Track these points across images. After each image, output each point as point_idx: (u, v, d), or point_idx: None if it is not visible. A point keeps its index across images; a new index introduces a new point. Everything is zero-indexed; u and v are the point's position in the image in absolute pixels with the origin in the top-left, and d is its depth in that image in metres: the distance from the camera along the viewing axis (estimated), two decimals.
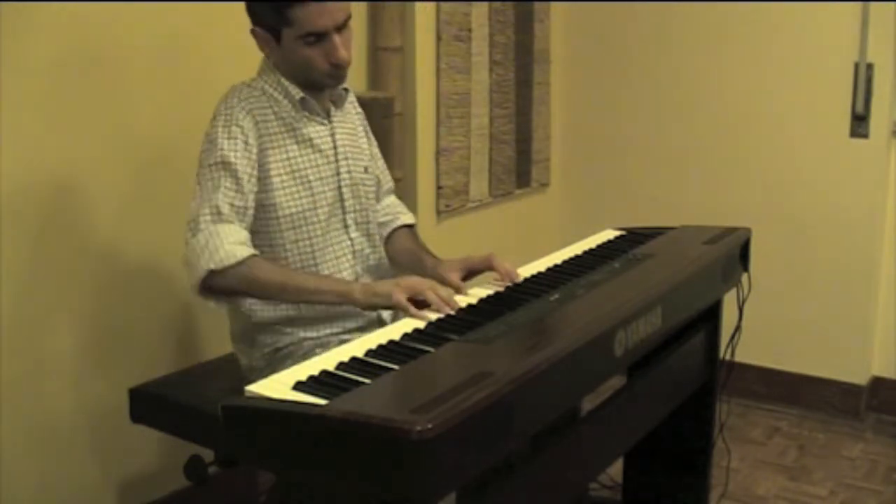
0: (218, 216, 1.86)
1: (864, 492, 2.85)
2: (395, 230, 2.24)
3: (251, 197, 1.91)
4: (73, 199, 2.24)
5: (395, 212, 2.26)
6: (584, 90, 3.79)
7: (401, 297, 1.80)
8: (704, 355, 2.42)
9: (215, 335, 2.52)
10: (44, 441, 2.24)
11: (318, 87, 2.00)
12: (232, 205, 1.87)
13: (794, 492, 2.86)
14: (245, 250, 1.84)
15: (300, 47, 1.91)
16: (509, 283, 1.97)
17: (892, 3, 3.10)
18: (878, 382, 3.39)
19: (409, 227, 2.27)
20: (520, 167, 3.60)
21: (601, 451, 2.01)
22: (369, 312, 2.05)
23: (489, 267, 2.02)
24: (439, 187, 3.19)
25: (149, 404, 2.13)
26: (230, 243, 1.83)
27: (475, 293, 1.92)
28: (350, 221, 2.07)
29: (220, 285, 1.85)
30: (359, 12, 2.80)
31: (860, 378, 3.35)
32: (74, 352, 2.28)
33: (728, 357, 2.41)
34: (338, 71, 1.96)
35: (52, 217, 2.20)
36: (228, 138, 1.89)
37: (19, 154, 2.11)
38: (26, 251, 2.15)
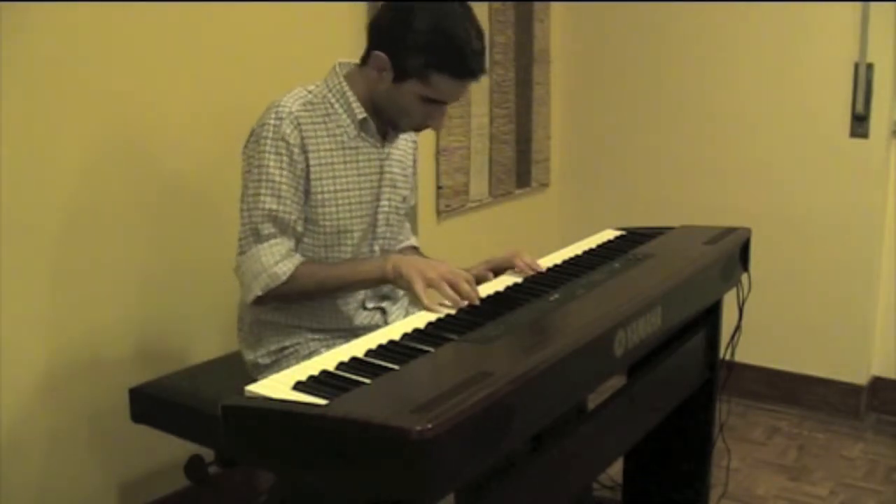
0: (257, 236, 1.89)
1: (864, 492, 2.85)
2: (401, 250, 2.22)
3: (296, 209, 1.91)
4: (74, 201, 2.24)
5: (405, 233, 2.25)
6: (584, 90, 3.79)
7: (421, 290, 1.83)
8: (704, 355, 2.42)
9: (215, 335, 2.52)
10: (44, 441, 2.24)
11: (393, 126, 1.99)
12: (274, 219, 1.89)
13: (794, 492, 2.86)
14: (286, 266, 1.88)
15: (413, 100, 1.89)
16: (531, 274, 2.01)
17: (892, 3, 3.09)
18: (878, 382, 3.39)
19: (414, 248, 2.27)
20: (520, 167, 3.60)
21: (601, 451, 2.01)
22: (378, 319, 2.07)
23: (511, 265, 2.05)
24: (439, 187, 3.19)
25: (149, 404, 2.13)
26: (271, 265, 1.88)
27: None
28: (377, 247, 2.06)
29: (270, 300, 1.92)
30: (359, 13, 2.80)
31: (860, 378, 3.35)
32: (74, 352, 2.27)
33: (728, 357, 2.41)
34: (423, 130, 1.99)
35: (52, 218, 2.20)
36: (275, 153, 1.88)
37: (25, 156, 2.11)
38: (26, 252, 2.15)
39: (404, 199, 2.12)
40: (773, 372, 3.47)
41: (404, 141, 2.11)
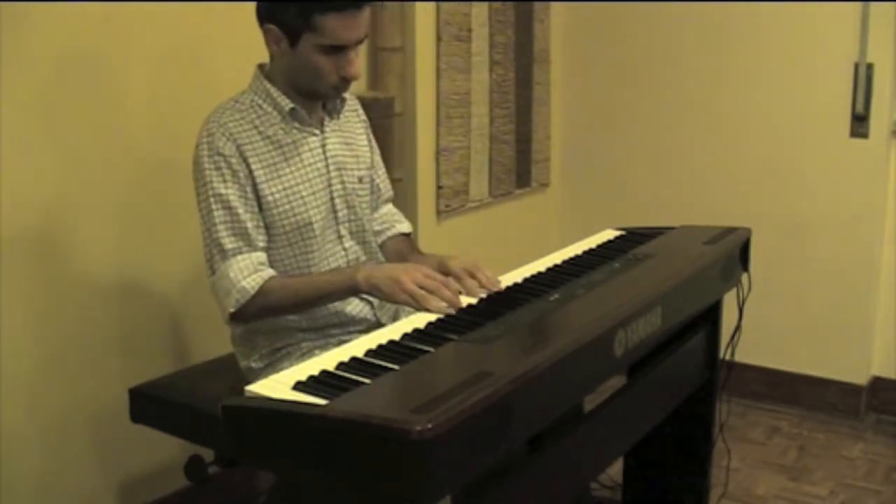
0: (223, 253, 1.89)
1: (864, 492, 2.85)
2: (389, 238, 2.23)
3: (250, 217, 1.91)
4: (74, 200, 2.24)
5: (391, 220, 2.25)
6: (584, 90, 3.79)
7: (402, 298, 1.81)
8: (704, 355, 2.42)
9: (215, 335, 2.52)
10: (44, 441, 2.24)
11: (318, 96, 1.98)
12: (234, 234, 1.89)
13: (794, 492, 2.86)
14: (255, 280, 1.88)
15: (315, 55, 1.87)
16: (484, 294, 1.89)
17: (892, 3, 3.09)
18: (878, 382, 3.39)
19: (406, 235, 2.26)
20: (520, 167, 3.60)
21: (601, 451, 2.01)
22: (370, 318, 2.07)
23: (457, 275, 1.93)
24: (439, 187, 3.19)
25: (149, 404, 2.13)
26: (240, 280, 1.88)
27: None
28: (344, 231, 2.06)
29: (247, 316, 1.92)
30: None
31: (860, 378, 3.35)
32: (74, 352, 2.27)
33: (728, 357, 2.41)
34: (345, 85, 1.95)
35: (53, 217, 2.20)
36: (215, 169, 1.89)
37: (19, 155, 2.11)
38: (27, 251, 2.15)
39: (360, 180, 2.10)
40: (773, 372, 3.46)
41: (349, 122, 2.11)
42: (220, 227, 1.89)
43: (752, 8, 3.33)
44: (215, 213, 1.89)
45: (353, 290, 1.90)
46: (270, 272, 1.91)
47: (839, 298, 3.32)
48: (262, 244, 1.93)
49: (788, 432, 3.27)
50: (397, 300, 1.84)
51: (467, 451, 1.33)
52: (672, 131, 3.59)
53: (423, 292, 1.80)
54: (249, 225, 1.91)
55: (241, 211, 1.90)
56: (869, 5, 3.12)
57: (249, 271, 1.89)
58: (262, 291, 1.88)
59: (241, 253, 1.90)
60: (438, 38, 3.09)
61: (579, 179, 3.85)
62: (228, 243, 1.89)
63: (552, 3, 3.66)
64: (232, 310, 1.89)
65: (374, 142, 2.21)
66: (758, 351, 3.31)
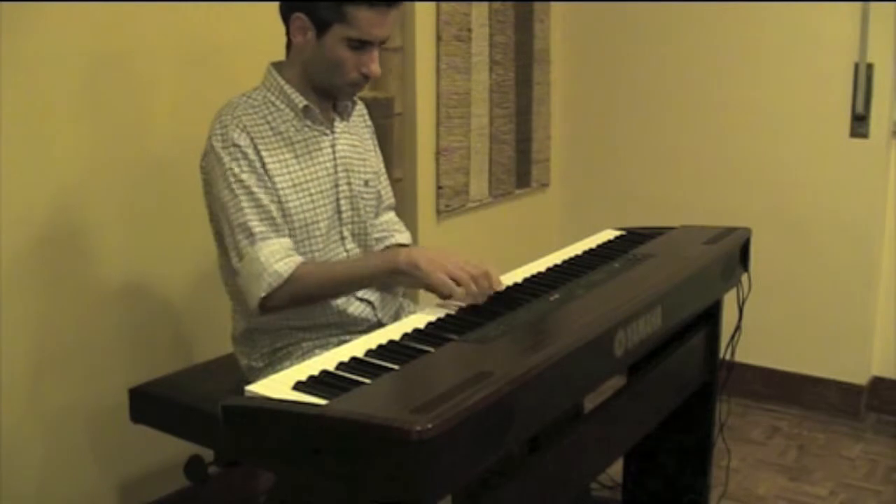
0: (251, 237, 1.87)
1: (864, 492, 2.85)
2: (387, 247, 2.22)
3: (275, 204, 1.90)
4: (76, 200, 2.24)
5: (391, 229, 2.24)
6: (584, 90, 3.79)
7: (436, 277, 1.81)
8: (704, 355, 2.42)
9: (215, 335, 2.52)
10: (44, 441, 2.24)
11: (334, 91, 1.98)
12: (260, 219, 1.88)
13: (794, 492, 2.86)
14: (287, 265, 1.86)
15: (341, 48, 1.89)
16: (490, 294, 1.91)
17: (892, 3, 3.09)
18: (878, 382, 3.39)
19: (405, 246, 2.25)
20: (520, 167, 3.60)
21: (601, 451, 2.01)
22: (371, 318, 2.06)
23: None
24: (439, 187, 3.19)
25: (149, 404, 2.13)
26: (272, 263, 1.85)
27: None
28: (347, 233, 2.06)
29: (276, 303, 1.88)
30: None
31: (860, 378, 3.36)
32: (74, 352, 2.27)
33: (728, 357, 2.41)
34: (363, 82, 1.96)
35: (54, 217, 2.20)
36: (232, 159, 1.88)
37: (21, 155, 2.11)
38: (27, 251, 2.15)
39: (367, 183, 2.10)
40: (773, 372, 3.46)
41: (357, 126, 2.12)
42: (248, 211, 1.87)
43: (752, 8, 3.33)
44: (241, 198, 1.87)
45: (394, 271, 1.88)
46: (301, 258, 1.90)
47: (839, 299, 3.33)
48: (286, 233, 1.92)
49: (788, 432, 3.27)
50: (431, 280, 1.82)
51: (467, 451, 1.33)
52: (672, 131, 3.59)
53: (451, 282, 1.80)
54: (275, 212, 1.90)
55: (262, 193, 1.89)
56: (869, 5, 3.12)
57: (281, 255, 1.86)
58: (294, 277, 1.86)
59: (269, 238, 1.88)
60: (438, 38, 3.09)
61: (579, 179, 3.85)
62: (257, 227, 1.87)
63: (552, 3, 3.66)
64: (262, 294, 1.85)
65: (378, 148, 2.22)
66: (758, 351, 3.31)
